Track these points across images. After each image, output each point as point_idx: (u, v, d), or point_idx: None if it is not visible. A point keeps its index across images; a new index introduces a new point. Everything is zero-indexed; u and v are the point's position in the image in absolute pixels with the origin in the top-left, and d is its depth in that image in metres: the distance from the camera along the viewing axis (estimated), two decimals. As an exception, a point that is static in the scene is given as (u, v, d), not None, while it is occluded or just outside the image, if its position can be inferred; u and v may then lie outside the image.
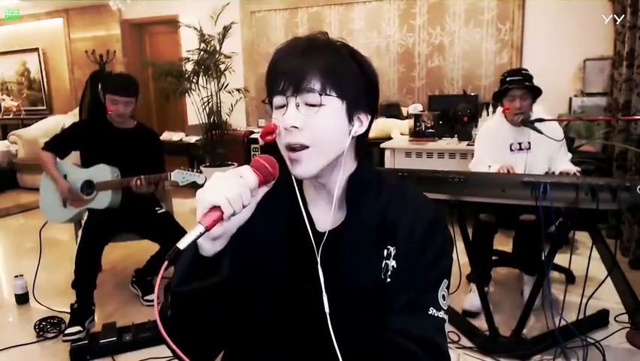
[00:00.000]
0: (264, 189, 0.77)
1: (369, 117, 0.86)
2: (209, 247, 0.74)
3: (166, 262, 0.65)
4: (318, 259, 0.83)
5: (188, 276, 0.74)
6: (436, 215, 0.84)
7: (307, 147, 0.78)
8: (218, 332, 0.83)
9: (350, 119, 0.82)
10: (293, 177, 0.85)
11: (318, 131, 0.78)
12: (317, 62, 0.77)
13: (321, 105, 0.78)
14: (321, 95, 0.77)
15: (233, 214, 0.70)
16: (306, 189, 0.89)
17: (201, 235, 0.68)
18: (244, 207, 0.72)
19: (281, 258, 0.86)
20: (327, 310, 0.80)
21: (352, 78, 0.80)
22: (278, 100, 0.80)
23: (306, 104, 0.78)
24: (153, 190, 2.63)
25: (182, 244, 0.66)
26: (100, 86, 2.65)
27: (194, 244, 0.70)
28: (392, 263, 0.82)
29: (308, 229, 0.84)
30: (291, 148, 0.79)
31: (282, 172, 0.80)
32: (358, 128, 0.83)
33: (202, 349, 0.83)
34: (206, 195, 0.70)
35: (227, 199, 0.69)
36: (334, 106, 0.79)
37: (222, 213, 0.69)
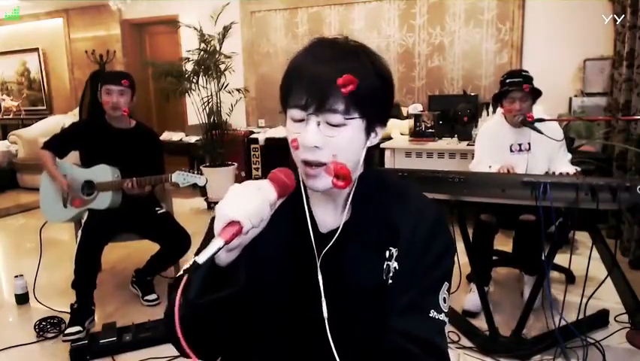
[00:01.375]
0: (280, 201, 0.76)
1: (384, 128, 0.85)
2: (224, 257, 0.73)
3: (186, 277, 0.65)
4: (318, 264, 0.83)
5: (205, 287, 0.73)
6: (438, 216, 0.85)
7: (325, 164, 0.78)
8: (229, 340, 0.83)
9: (368, 135, 0.81)
10: (301, 184, 0.85)
11: (338, 150, 0.77)
12: (339, 77, 0.74)
13: (342, 125, 0.76)
14: (345, 117, 0.76)
15: (252, 228, 0.70)
16: (310, 191, 0.89)
17: (219, 249, 0.67)
18: (262, 220, 0.71)
19: (285, 259, 0.86)
20: (325, 314, 0.81)
21: (375, 96, 0.78)
22: (297, 114, 0.78)
23: (327, 123, 0.76)
24: (149, 192, 2.62)
25: (201, 258, 0.66)
26: (98, 87, 2.66)
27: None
28: (394, 264, 0.82)
29: (310, 232, 0.84)
30: (309, 163, 0.78)
31: None
32: (373, 140, 0.83)
33: (211, 355, 0.83)
34: (226, 210, 0.69)
35: (248, 216, 0.68)
36: (355, 125, 0.78)
37: (241, 227, 0.68)
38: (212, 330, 0.78)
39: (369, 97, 0.77)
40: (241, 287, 0.74)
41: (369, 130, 0.81)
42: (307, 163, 0.78)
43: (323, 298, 0.81)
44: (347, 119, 0.76)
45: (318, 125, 0.76)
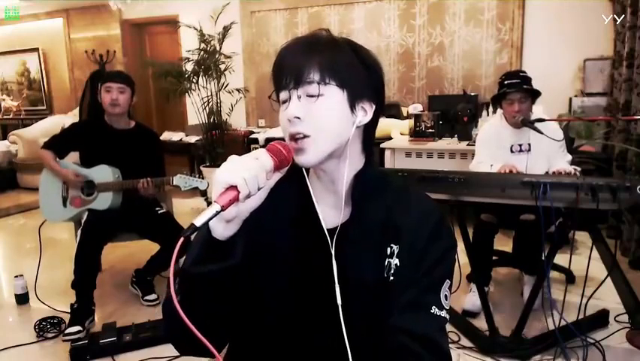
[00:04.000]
0: (278, 175, 0.78)
1: (374, 106, 0.86)
2: (221, 230, 0.74)
3: (181, 239, 0.66)
4: (333, 252, 0.83)
5: (201, 258, 0.75)
6: (441, 215, 0.86)
7: (309, 136, 0.80)
8: (223, 323, 0.83)
9: (352, 108, 0.83)
10: (304, 171, 0.86)
11: (319, 119, 0.80)
12: (316, 56, 0.80)
13: (319, 95, 0.79)
14: (319, 84, 0.79)
15: (249, 196, 0.71)
16: (312, 185, 0.89)
17: (217, 213, 0.68)
18: (259, 189, 0.72)
19: (289, 251, 0.86)
20: (339, 301, 0.81)
21: (352, 68, 0.82)
22: (282, 95, 0.83)
23: (307, 95, 0.80)
24: (157, 192, 2.63)
25: (199, 221, 0.66)
26: (98, 87, 2.67)
27: (207, 227, 0.71)
28: (395, 261, 0.82)
29: (322, 224, 0.84)
30: (294, 138, 0.80)
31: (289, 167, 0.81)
32: (363, 118, 0.85)
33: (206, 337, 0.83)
34: (223, 175, 0.70)
35: (244, 179, 0.69)
36: (334, 95, 0.81)
37: (238, 193, 0.69)
38: (205, 307, 0.78)
39: (345, 67, 0.81)
40: (237, 263, 0.74)
41: (353, 104, 0.83)
42: (293, 138, 0.81)
43: (337, 285, 0.82)
44: (324, 84, 0.79)
45: (299, 98, 0.80)
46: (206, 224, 0.67)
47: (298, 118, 0.79)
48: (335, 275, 0.82)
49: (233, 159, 0.73)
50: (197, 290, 0.76)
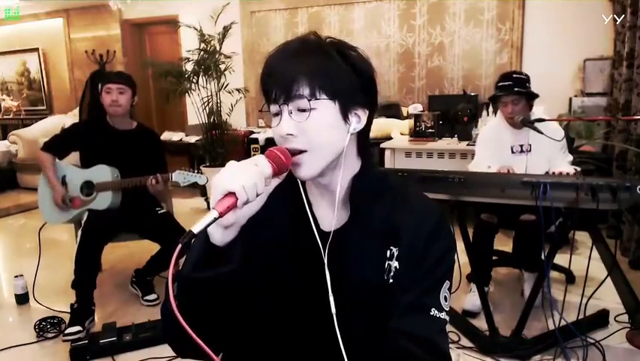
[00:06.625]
0: (277, 181, 0.78)
1: (367, 112, 0.85)
2: (219, 236, 0.74)
3: (179, 246, 0.66)
4: (325, 261, 0.83)
5: (199, 263, 0.75)
6: (440, 216, 0.85)
7: (305, 151, 0.79)
8: (221, 327, 0.82)
9: (345, 118, 0.81)
10: (299, 181, 0.85)
11: (313, 135, 0.79)
12: (304, 67, 0.78)
13: (311, 110, 0.78)
14: (310, 100, 0.77)
15: (247, 202, 0.70)
16: (309, 189, 0.89)
17: (215, 220, 0.68)
18: (257, 195, 0.72)
19: (286, 257, 0.86)
20: (333, 310, 0.81)
21: (342, 77, 0.80)
22: (273, 108, 0.81)
23: (298, 110, 0.78)
24: (165, 188, 2.63)
25: (197, 228, 0.66)
26: (99, 88, 2.67)
27: (205, 233, 0.71)
28: (395, 264, 0.82)
29: (314, 229, 0.84)
30: (291, 153, 0.79)
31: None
32: (357, 125, 0.83)
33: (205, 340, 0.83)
34: (222, 182, 0.70)
35: (243, 187, 0.69)
36: (326, 108, 0.79)
37: (237, 200, 0.69)
38: (204, 313, 0.77)
39: (334, 77, 0.79)
40: (236, 267, 0.74)
41: (345, 113, 0.81)
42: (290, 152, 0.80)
43: (330, 295, 0.81)
44: (315, 100, 0.78)
45: (290, 114, 0.79)
46: (204, 231, 0.67)
47: (291, 135, 0.78)
48: (328, 283, 0.82)
49: (231, 164, 0.72)
50: (196, 295, 0.76)
